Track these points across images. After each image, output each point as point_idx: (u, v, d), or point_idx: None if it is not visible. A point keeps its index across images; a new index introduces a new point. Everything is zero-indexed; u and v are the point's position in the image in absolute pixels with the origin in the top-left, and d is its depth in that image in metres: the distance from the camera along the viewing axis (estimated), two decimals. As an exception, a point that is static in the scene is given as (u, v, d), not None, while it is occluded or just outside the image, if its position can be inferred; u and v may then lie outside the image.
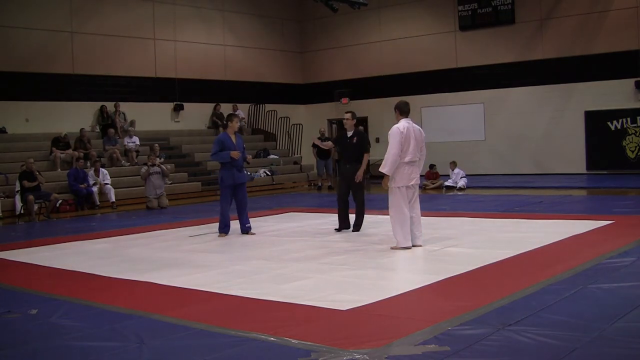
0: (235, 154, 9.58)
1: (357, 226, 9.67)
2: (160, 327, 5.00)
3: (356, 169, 9.47)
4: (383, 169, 7.80)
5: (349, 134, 9.64)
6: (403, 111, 7.99)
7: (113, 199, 15.45)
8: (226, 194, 9.80)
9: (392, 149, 7.72)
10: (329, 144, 10.92)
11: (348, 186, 9.69)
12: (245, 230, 9.89)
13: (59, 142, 16.42)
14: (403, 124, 7.86)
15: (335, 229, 9.77)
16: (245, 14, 22.86)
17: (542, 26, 19.89)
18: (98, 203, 15.26)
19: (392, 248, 7.91)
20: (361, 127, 15.52)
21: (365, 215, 9.71)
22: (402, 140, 7.72)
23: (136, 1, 19.87)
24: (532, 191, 15.35)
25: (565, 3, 19.51)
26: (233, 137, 9.78)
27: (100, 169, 15.87)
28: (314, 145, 19.21)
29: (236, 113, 16.49)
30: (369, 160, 9.66)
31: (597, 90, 18.87)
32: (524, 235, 8.61)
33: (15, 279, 7.24)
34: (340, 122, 24.12)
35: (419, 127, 8.09)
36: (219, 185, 9.97)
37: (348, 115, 9.59)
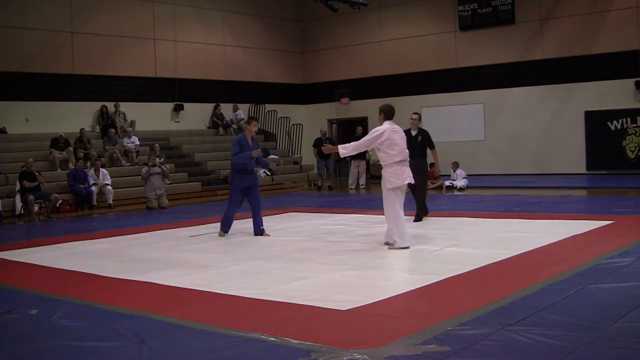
0: (256, 152, 9.61)
1: (418, 216, 10.49)
2: (160, 327, 5.00)
3: (423, 163, 10.52)
4: (344, 149, 8.20)
5: (414, 132, 10.58)
6: (388, 114, 8.17)
7: (110, 200, 15.43)
8: (235, 196, 9.72)
9: (361, 142, 8.14)
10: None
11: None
12: (259, 232, 9.72)
13: (58, 142, 16.41)
14: (385, 126, 8.05)
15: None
16: (245, 14, 22.85)
17: (542, 26, 19.88)
18: (95, 203, 15.26)
19: (389, 248, 7.95)
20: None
21: (365, 215, 9.72)
22: (374, 140, 7.97)
23: (136, 1, 19.86)
24: (532, 191, 15.33)
25: (565, 3, 19.50)
26: (250, 140, 9.80)
27: (101, 169, 15.85)
28: (315, 145, 19.25)
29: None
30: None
31: (597, 90, 18.86)
32: (524, 235, 8.60)
33: (15, 279, 7.23)
34: (340, 122, 24.18)
35: (400, 129, 8.25)
36: (229, 186, 9.87)
37: (416, 117, 10.74)
